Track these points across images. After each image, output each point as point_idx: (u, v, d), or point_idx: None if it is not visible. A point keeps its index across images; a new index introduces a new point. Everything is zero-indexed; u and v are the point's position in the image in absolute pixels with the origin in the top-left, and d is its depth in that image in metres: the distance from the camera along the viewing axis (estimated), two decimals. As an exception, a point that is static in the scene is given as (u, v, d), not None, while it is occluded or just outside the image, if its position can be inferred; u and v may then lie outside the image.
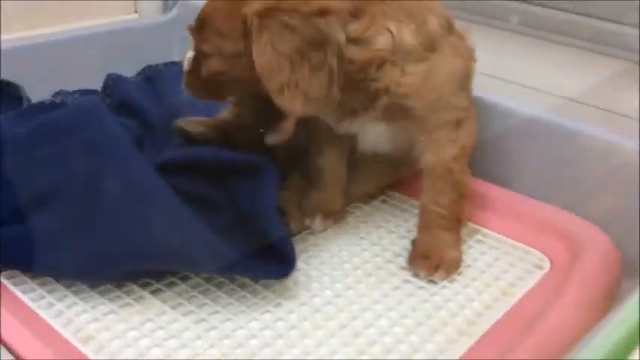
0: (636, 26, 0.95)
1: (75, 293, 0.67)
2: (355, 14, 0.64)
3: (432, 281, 0.71)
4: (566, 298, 0.65)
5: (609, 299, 0.68)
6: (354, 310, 0.67)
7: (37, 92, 0.90)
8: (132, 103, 0.89)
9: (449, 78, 0.70)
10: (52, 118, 0.74)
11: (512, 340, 0.62)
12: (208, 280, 0.70)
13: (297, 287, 0.70)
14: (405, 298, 0.69)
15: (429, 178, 0.73)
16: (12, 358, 0.59)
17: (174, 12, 1.20)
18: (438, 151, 0.72)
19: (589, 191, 0.80)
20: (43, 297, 0.67)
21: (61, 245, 0.67)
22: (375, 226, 0.81)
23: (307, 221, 0.79)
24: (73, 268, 0.67)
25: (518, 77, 0.92)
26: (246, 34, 0.63)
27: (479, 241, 0.78)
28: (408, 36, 0.66)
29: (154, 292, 0.68)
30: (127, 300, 0.67)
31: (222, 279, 0.70)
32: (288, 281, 0.69)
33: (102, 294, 0.68)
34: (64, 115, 0.74)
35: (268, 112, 0.73)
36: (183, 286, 0.69)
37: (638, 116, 0.81)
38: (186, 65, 0.71)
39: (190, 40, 0.70)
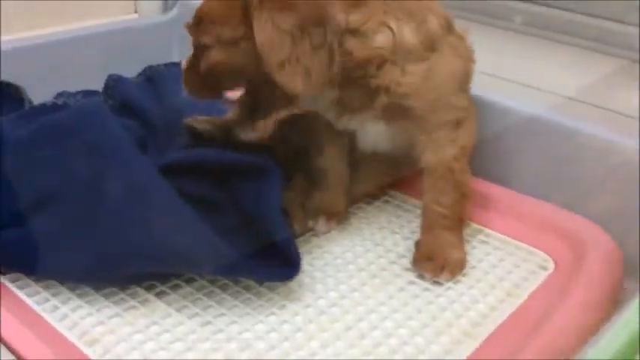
0: (636, 25, 0.95)
1: (79, 296, 0.67)
2: (355, 6, 0.64)
3: (436, 282, 0.71)
4: (571, 299, 0.65)
5: (613, 299, 0.69)
6: (360, 312, 0.67)
7: (37, 93, 0.90)
8: (133, 104, 0.88)
9: (449, 78, 0.70)
10: (54, 120, 0.74)
11: (518, 341, 0.62)
12: (213, 282, 0.70)
13: (302, 289, 0.70)
14: (409, 299, 0.69)
15: (430, 178, 0.73)
16: (12, 358, 0.59)
17: (174, 12, 1.20)
18: (439, 151, 0.72)
19: (589, 190, 0.80)
20: (47, 300, 0.67)
21: (63, 247, 0.67)
22: (378, 227, 0.81)
23: (311, 223, 0.79)
24: (76, 271, 0.67)
25: (518, 76, 0.92)
26: (246, 18, 0.62)
27: (482, 241, 0.79)
28: (408, 35, 0.66)
29: (158, 295, 0.68)
30: (132, 303, 0.67)
31: (226, 281, 0.70)
32: (293, 283, 0.69)
33: (106, 297, 0.67)
34: (66, 117, 0.74)
35: (260, 108, 0.72)
36: (187, 289, 0.69)
37: (638, 115, 0.81)
38: (184, 63, 0.71)
39: (190, 40, 0.69)
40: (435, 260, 0.72)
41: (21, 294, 0.67)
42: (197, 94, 0.71)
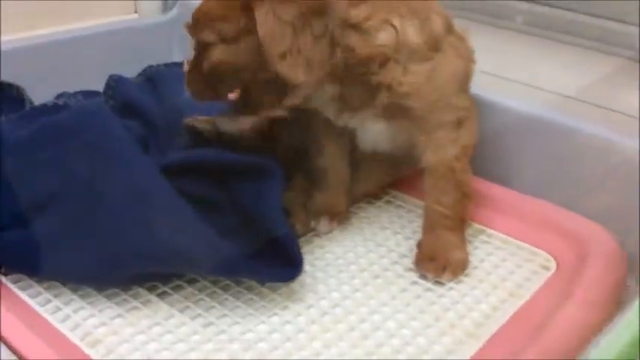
0: (637, 25, 0.95)
1: (81, 297, 0.67)
2: (357, 5, 0.64)
3: (439, 283, 0.71)
4: (574, 299, 0.65)
5: (616, 299, 0.69)
6: (362, 313, 0.67)
7: (37, 93, 0.90)
8: (134, 104, 0.88)
9: (450, 79, 0.70)
10: (55, 121, 0.73)
11: (521, 342, 0.62)
12: (215, 283, 0.70)
13: (304, 290, 0.70)
14: (412, 300, 0.69)
15: (431, 178, 0.73)
16: (13, 358, 0.58)
17: (174, 12, 1.20)
18: (439, 151, 0.72)
19: (589, 189, 0.80)
20: (49, 301, 0.67)
21: (65, 248, 0.67)
22: (380, 227, 0.81)
23: (312, 223, 0.79)
24: (78, 272, 0.67)
25: (519, 76, 0.92)
26: (246, 12, 0.62)
27: (484, 241, 0.78)
28: (412, 33, 0.66)
29: (160, 296, 0.68)
30: (134, 303, 0.67)
31: (228, 282, 0.70)
32: (295, 284, 0.69)
33: (108, 297, 0.67)
34: (68, 118, 0.74)
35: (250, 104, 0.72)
36: (189, 289, 0.69)
37: (638, 114, 0.81)
38: (186, 65, 0.71)
39: (190, 41, 0.69)
40: (437, 260, 0.72)
41: (23, 295, 0.67)
42: (200, 96, 0.71)
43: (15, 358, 0.58)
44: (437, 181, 0.73)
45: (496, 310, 0.68)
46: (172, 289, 0.69)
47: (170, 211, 0.66)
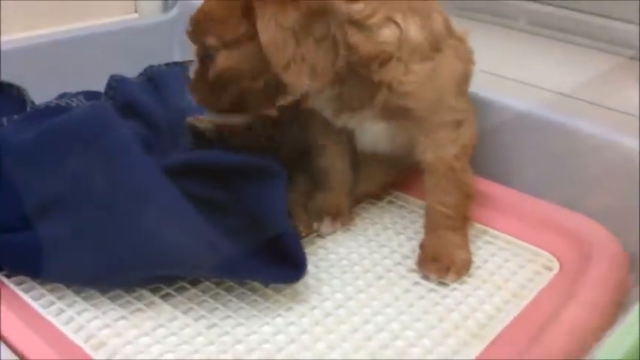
0: (636, 23, 0.96)
1: (85, 299, 0.67)
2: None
3: (442, 283, 0.71)
4: (577, 299, 0.65)
5: (619, 300, 0.69)
6: (366, 314, 0.67)
7: (37, 93, 0.90)
8: (136, 104, 0.88)
9: (450, 80, 0.70)
10: (59, 123, 0.73)
11: (525, 342, 0.62)
12: (218, 284, 0.70)
13: (308, 291, 0.70)
14: (415, 301, 0.69)
15: (432, 178, 0.73)
16: (13, 358, 0.58)
17: (174, 11, 1.20)
18: (440, 151, 0.72)
19: (588, 188, 0.80)
20: (52, 303, 0.66)
21: (69, 251, 0.66)
22: (382, 228, 0.81)
23: (315, 224, 0.79)
24: (81, 274, 0.67)
25: (518, 74, 0.92)
26: (247, 17, 0.62)
27: (487, 242, 0.79)
28: (414, 31, 0.66)
29: (164, 297, 0.68)
30: (138, 305, 0.67)
31: (232, 283, 0.70)
32: (299, 285, 0.69)
33: (112, 299, 0.67)
34: (71, 120, 0.73)
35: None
36: (193, 291, 0.69)
37: (638, 113, 0.82)
38: (192, 74, 0.70)
39: (192, 46, 0.69)
40: (441, 261, 0.72)
41: (26, 297, 0.67)
42: (206, 104, 0.71)
43: (11, 357, 0.58)
44: (438, 181, 0.73)
45: (500, 310, 0.68)
46: (176, 290, 0.69)
47: (174, 212, 0.66)
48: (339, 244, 0.78)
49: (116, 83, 0.92)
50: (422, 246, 0.74)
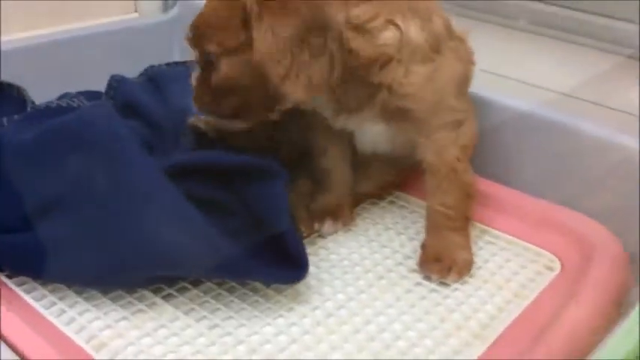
0: (636, 22, 0.96)
1: (86, 300, 0.67)
2: (357, 5, 0.64)
3: (443, 284, 0.71)
4: (579, 300, 0.65)
5: (620, 300, 0.69)
6: (368, 314, 0.67)
7: (37, 93, 0.89)
8: (137, 104, 0.88)
9: (450, 81, 0.70)
10: (60, 124, 0.73)
11: (527, 343, 0.62)
12: (220, 284, 0.70)
13: (310, 291, 0.69)
14: (417, 301, 0.69)
15: (433, 179, 0.73)
16: (13, 358, 0.58)
17: (174, 11, 1.20)
18: (440, 152, 0.72)
19: (589, 188, 0.80)
20: (54, 304, 0.66)
21: (69, 251, 0.66)
22: (384, 228, 0.81)
23: (316, 225, 0.79)
24: (83, 275, 0.67)
25: (518, 74, 0.92)
26: (246, 28, 0.62)
27: (488, 242, 0.79)
28: (415, 32, 0.66)
29: (165, 298, 0.68)
30: (140, 306, 0.67)
31: (233, 284, 0.70)
32: (300, 285, 0.69)
33: (113, 300, 0.67)
34: (72, 121, 0.73)
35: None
36: (194, 291, 0.69)
37: (638, 113, 0.82)
38: (193, 81, 0.70)
39: (194, 54, 0.69)
40: (442, 261, 0.72)
41: (27, 298, 0.67)
42: (208, 111, 0.71)
43: (11, 357, 0.58)
44: (439, 182, 0.73)
45: (501, 311, 0.68)
46: (177, 291, 0.69)
47: (175, 213, 0.66)
48: (341, 245, 0.78)
49: (117, 83, 0.92)
50: (423, 246, 0.74)
